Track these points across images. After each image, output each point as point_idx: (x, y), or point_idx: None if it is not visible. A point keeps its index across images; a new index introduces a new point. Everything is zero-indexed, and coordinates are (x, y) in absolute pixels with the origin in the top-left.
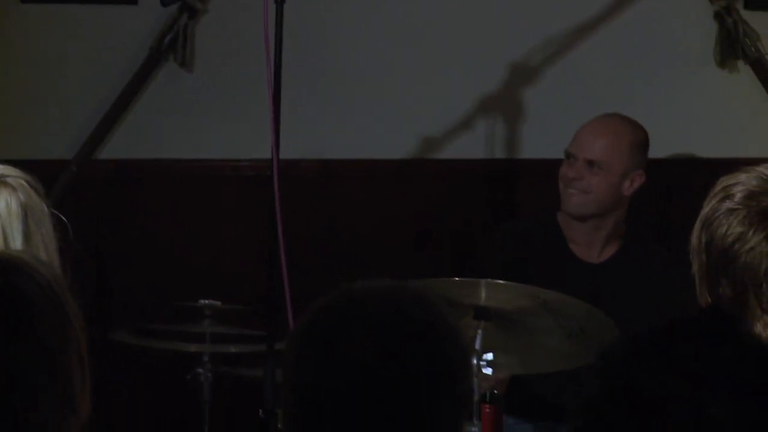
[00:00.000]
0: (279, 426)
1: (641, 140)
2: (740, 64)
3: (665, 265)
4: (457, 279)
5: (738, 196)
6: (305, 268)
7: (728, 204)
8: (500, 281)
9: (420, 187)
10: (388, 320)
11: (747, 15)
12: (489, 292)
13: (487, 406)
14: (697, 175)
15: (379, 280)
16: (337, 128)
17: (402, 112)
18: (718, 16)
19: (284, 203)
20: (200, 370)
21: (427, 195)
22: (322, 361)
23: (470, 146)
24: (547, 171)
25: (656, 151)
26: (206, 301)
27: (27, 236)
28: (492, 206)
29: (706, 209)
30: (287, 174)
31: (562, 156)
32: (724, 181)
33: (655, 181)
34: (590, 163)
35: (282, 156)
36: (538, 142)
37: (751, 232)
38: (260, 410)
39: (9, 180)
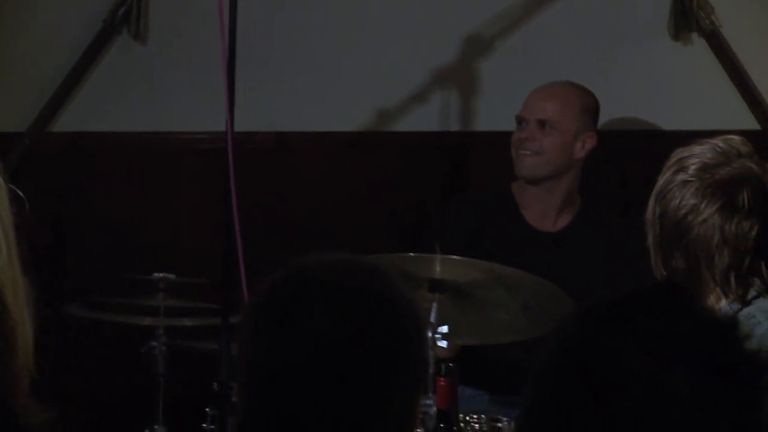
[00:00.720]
0: (233, 399)
1: (591, 104)
2: (695, 36)
3: (621, 235)
4: (412, 255)
5: (692, 169)
6: (261, 241)
7: (682, 176)
8: (455, 257)
9: (375, 160)
10: (345, 292)
11: None
12: (444, 266)
13: (442, 378)
14: (651, 148)
15: (334, 254)
16: (293, 100)
17: (356, 83)
18: None
19: (239, 176)
20: (155, 344)
21: (382, 167)
22: (278, 334)
23: (425, 118)
24: (502, 143)
25: (611, 124)
26: (161, 274)
27: None
28: (447, 179)
29: (660, 181)
30: (242, 146)
31: (513, 128)
32: (678, 154)
33: (610, 154)
34: (541, 124)
35: (237, 128)
36: (493, 115)
37: (703, 205)
38: (215, 383)
39: None
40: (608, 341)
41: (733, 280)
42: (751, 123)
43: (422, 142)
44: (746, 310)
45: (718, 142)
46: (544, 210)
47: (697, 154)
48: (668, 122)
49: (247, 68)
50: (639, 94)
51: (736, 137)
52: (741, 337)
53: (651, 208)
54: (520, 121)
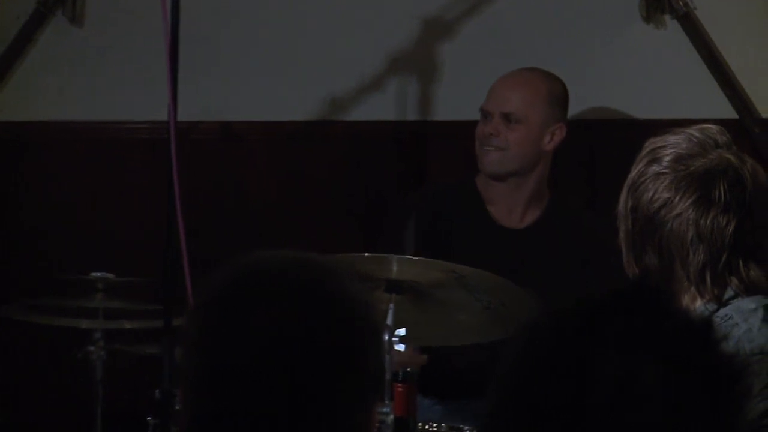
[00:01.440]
0: (177, 407)
1: (559, 93)
2: (667, 19)
3: (592, 231)
4: (367, 254)
5: (666, 160)
6: (205, 238)
7: (655, 168)
8: (412, 257)
9: (327, 151)
10: (296, 292)
11: None
12: (401, 266)
13: (400, 385)
14: (623, 138)
15: (284, 251)
16: (239, 88)
17: (307, 69)
18: None
19: (183, 168)
20: (92, 348)
21: (335, 159)
22: (224, 335)
23: (380, 107)
24: (463, 133)
25: (580, 112)
26: (99, 274)
27: None
28: (404, 172)
29: (632, 173)
30: (186, 137)
31: (478, 117)
32: (651, 144)
33: (579, 144)
34: (507, 117)
35: (180, 117)
36: (453, 103)
37: (677, 198)
38: (157, 391)
39: None
40: (576, 342)
41: (708, 278)
42: (728, 112)
43: (378, 133)
44: (723, 311)
45: (694, 131)
46: (511, 206)
47: (672, 144)
48: (641, 111)
49: (192, 53)
50: (609, 81)
51: (713, 126)
52: (716, 339)
53: (623, 202)
54: (484, 114)
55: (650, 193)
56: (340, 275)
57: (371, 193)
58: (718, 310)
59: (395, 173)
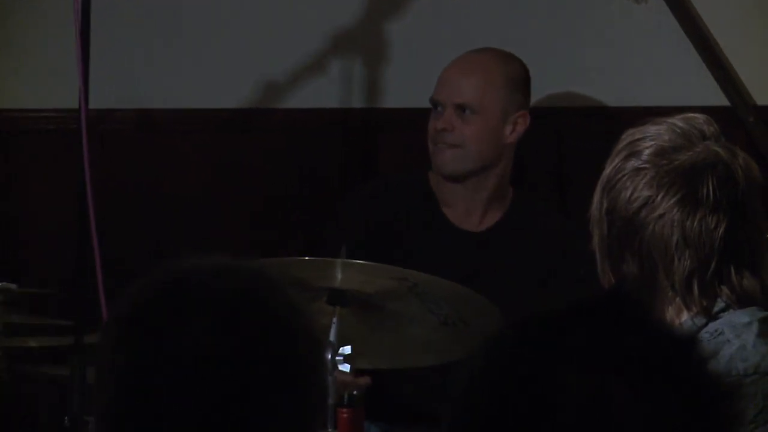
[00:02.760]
0: None
1: (519, 76)
2: None
3: (561, 235)
4: (306, 258)
5: (646, 153)
6: (123, 242)
7: (634, 162)
8: (358, 261)
9: (262, 143)
10: (225, 304)
11: None
12: (346, 272)
13: (345, 410)
14: (595, 129)
15: (211, 257)
16: (160, 72)
17: (238, 51)
18: None
19: (96, 162)
20: None
21: (271, 152)
22: (144, 355)
23: (322, 93)
24: (416, 122)
25: (546, 98)
26: None
27: None
28: (349, 165)
29: (607, 169)
30: (99, 126)
31: (429, 105)
32: (629, 136)
33: (545, 135)
34: (460, 108)
35: (92, 105)
36: (404, 88)
37: (660, 196)
38: (66, 417)
39: None
40: (536, 360)
41: (696, 288)
42: (719, 98)
43: (319, 122)
44: (712, 326)
45: (677, 121)
46: (469, 207)
47: (653, 135)
48: (616, 97)
49: (105, 34)
50: (580, 63)
51: (699, 115)
52: (701, 357)
53: (597, 202)
54: (434, 105)
55: (629, 192)
56: (276, 284)
57: (312, 190)
58: (707, 324)
59: (340, 167)
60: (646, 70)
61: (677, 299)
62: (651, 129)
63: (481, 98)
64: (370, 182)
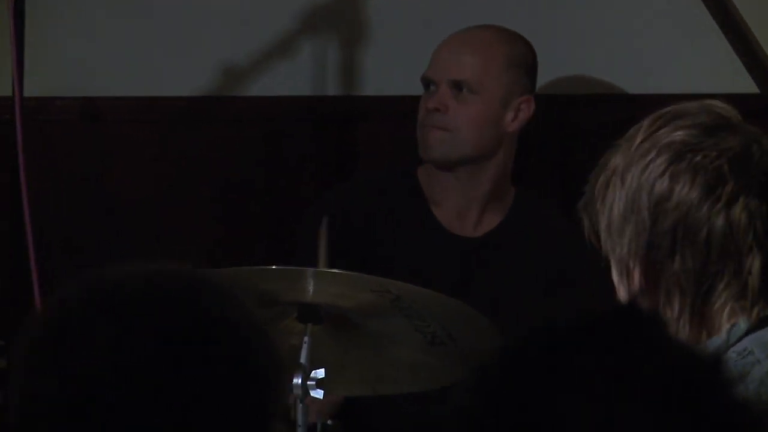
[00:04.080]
0: None
1: (526, 56)
2: None
3: (568, 244)
4: (274, 268)
5: (691, 134)
6: (61, 242)
7: (678, 151)
8: (333, 270)
9: (222, 135)
10: (165, 321)
11: None
12: (319, 284)
13: None
14: (611, 117)
15: (155, 264)
16: (105, 56)
17: (196, 33)
18: None
19: (32, 156)
20: None
21: (233, 146)
22: (52, 376)
23: (293, 79)
24: (398, 112)
25: (553, 84)
26: None
27: None
28: (323, 161)
29: (642, 159)
30: (36, 116)
31: (416, 92)
32: (655, 118)
33: (552, 124)
34: (457, 86)
35: (27, 93)
36: (385, 74)
37: (722, 188)
38: None
39: None
40: (543, 385)
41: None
42: (746, 85)
43: (289, 112)
44: (740, 344)
45: (704, 103)
46: (463, 207)
47: (685, 112)
48: (635, 83)
49: (43, 15)
50: (591, 45)
51: (716, 102)
52: (728, 381)
53: (628, 200)
54: (427, 84)
55: (680, 185)
56: (229, 298)
57: (281, 190)
58: (745, 334)
59: (312, 164)
60: (664, 53)
61: (731, 302)
62: (679, 109)
63: (481, 77)
64: (345, 182)
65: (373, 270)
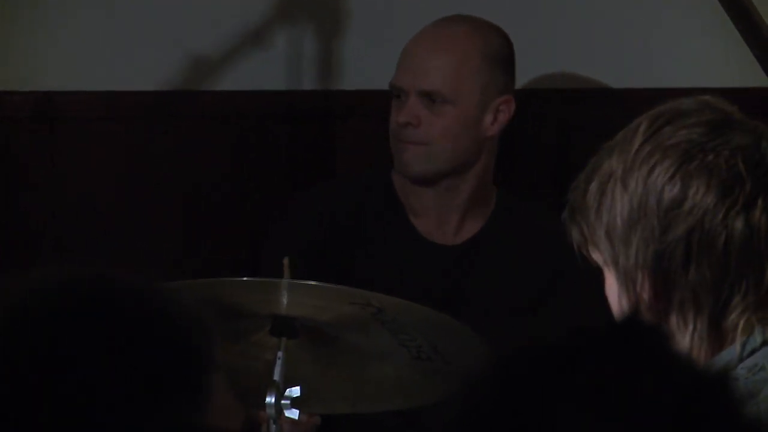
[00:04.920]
0: None
1: (502, 50)
2: None
3: (558, 247)
4: (245, 279)
5: (697, 133)
6: (14, 245)
7: (686, 151)
8: (309, 282)
9: (192, 132)
10: (114, 337)
11: None
12: (294, 295)
13: None
14: (608, 113)
15: (112, 271)
16: (64, 49)
17: (163, 23)
18: None
19: None
20: None
21: (203, 142)
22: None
23: (267, 73)
24: (379, 108)
25: (544, 79)
26: None
27: None
28: (298, 160)
29: (650, 160)
30: None
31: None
32: (654, 117)
33: (549, 121)
34: (428, 98)
35: None
36: (366, 68)
37: (740, 189)
38: None
39: None
40: (536, 403)
41: None
42: (755, 77)
43: (261, 107)
44: (750, 360)
45: (701, 99)
46: (443, 215)
47: (686, 110)
48: (635, 77)
49: None
50: (592, 37)
51: (708, 96)
52: (737, 399)
53: (633, 202)
54: (396, 92)
55: (694, 189)
56: (191, 312)
57: (252, 192)
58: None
59: (287, 163)
60: (667, 44)
61: (748, 314)
62: (679, 105)
63: (455, 84)
64: (319, 185)
65: (351, 282)
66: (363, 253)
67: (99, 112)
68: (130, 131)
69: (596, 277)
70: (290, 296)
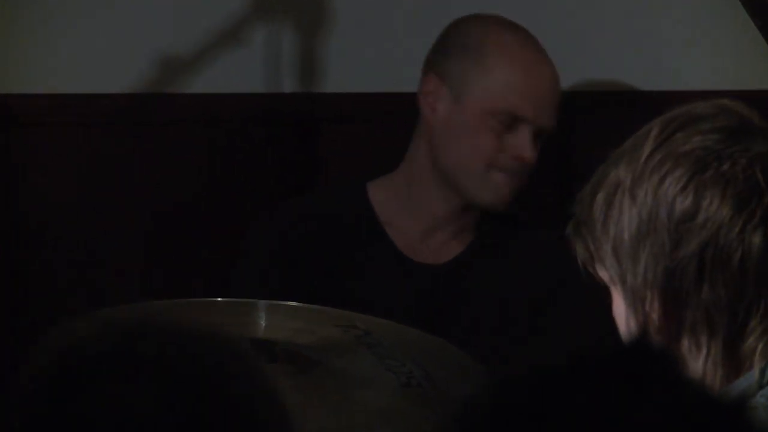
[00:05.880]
0: None
1: None
2: None
3: (556, 260)
4: (220, 300)
5: (711, 139)
6: None
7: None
8: (291, 303)
9: (164, 137)
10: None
11: None
12: (273, 317)
13: None
14: (612, 117)
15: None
16: (23, 49)
17: (132, 21)
18: None
19: None
20: None
21: (176, 148)
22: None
23: (243, 74)
24: (363, 111)
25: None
26: None
27: None
28: (278, 167)
29: (661, 172)
30: None
31: (384, 89)
32: (666, 123)
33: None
34: (540, 133)
35: None
36: (349, 69)
37: (759, 202)
38: None
39: None
40: (538, 430)
41: None
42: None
43: (238, 111)
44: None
45: (718, 103)
46: (426, 230)
47: (702, 114)
48: (647, 79)
49: None
50: (602, 36)
51: (726, 101)
52: (754, 430)
53: (642, 216)
54: (511, 118)
55: (708, 200)
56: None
57: (230, 200)
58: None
59: (266, 170)
60: (680, 42)
61: (766, 337)
62: (695, 109)
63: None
64: (288, 202)
65: (327, 299)
66: (339, 272)
67: (64, 116)
68: (98, 137)
69: (597, 292)
70: (269, 319)
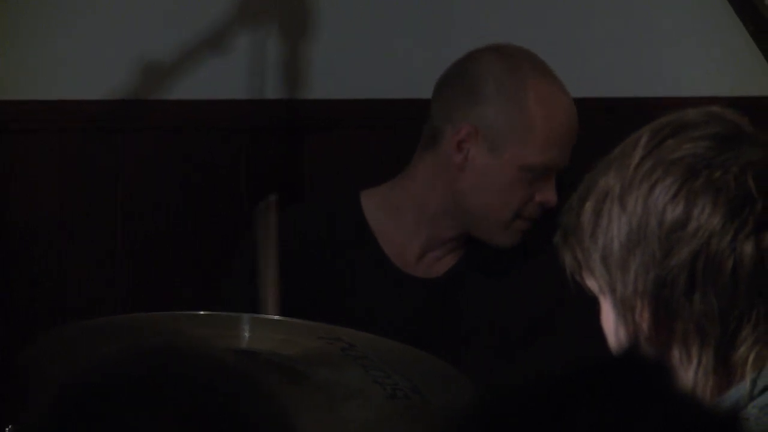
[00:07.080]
0: None
1: None
2: None
3: (552, 274)
4: (202, 313)
5: (702, 146)
6: None
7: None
8: (273, 317)
9: (145, 144)
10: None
11: None
12: (257, 330)
13: None
14: (601, 124)
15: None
16: (5, 54)
17: (114, 27)
18: None
19: None
20: None
21: (157, 156)
22: None
23: (227, 80)
24: (349, 118)
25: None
26: None
27: None
28: (262, 176)
29: (650, 178)
30: None
31: (370, 95)
32: (657, 129)
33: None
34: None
35: None
36: (334, 75)
37: (750, 209)
38: None
39: None
40: None
41: None
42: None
43: (222, 118)
44: (761, 399)
45: (708, 110)
46: (424, 247)
47: (693, 122)
48: (637, 86)
49: None
50: (589, 43)
51: (715, 107)
52: None
53: (632, 225)
54: (544, 169)
55: (700, 208)
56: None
57: (213, 209)
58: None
59: (250, 179)
60: (671, 48)
61: (758, 347)
62: (686, 115)
63: None
64: (281, 212)
65: (317, 315)
66: (331, 284)
67: (44, 123)
68: (79, 144)
69: (594, 306)
70: (253, 331)
